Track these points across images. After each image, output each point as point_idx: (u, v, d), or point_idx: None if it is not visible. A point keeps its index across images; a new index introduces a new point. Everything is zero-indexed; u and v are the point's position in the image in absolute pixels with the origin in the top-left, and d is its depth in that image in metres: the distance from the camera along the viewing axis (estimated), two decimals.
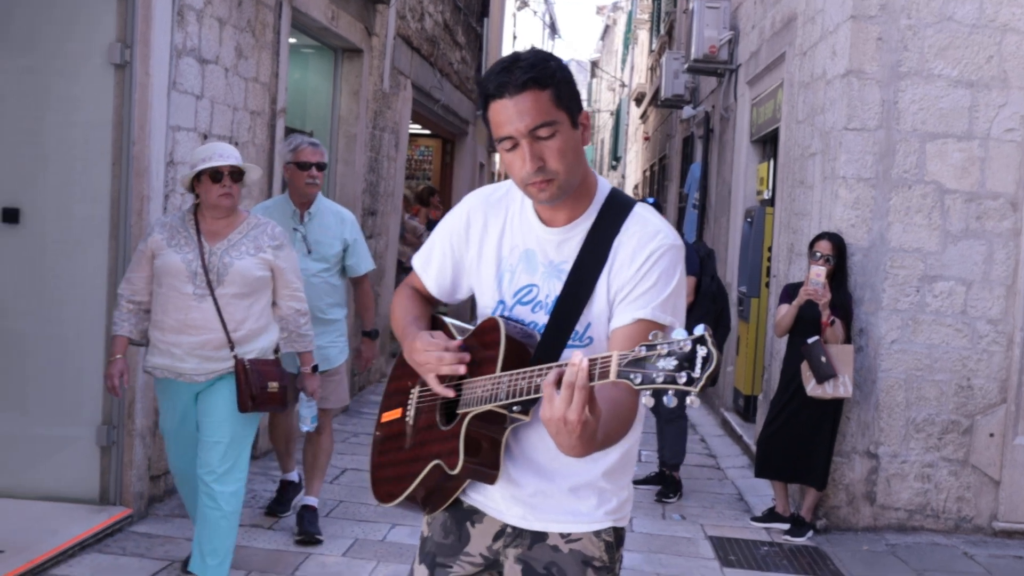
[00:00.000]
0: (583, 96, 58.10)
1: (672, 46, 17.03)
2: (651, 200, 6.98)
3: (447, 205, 14.80)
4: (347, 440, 7.66)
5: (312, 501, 5.39)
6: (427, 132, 15.18)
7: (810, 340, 5.90)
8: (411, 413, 2.34)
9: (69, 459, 5.22)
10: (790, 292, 6.22)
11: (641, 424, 2.23)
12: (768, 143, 9.29)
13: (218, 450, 4.23)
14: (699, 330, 1.70)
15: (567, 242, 2.18)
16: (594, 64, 51.69)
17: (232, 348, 4.22)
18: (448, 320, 2.38)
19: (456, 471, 2.13)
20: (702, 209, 11.97)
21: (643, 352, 1.73)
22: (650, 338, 1.75)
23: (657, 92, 17.42)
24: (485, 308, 2.28)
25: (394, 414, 2.40)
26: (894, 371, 6.23)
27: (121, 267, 5.12)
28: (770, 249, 8.55)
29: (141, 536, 5.09)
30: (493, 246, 2.27)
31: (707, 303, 6.72)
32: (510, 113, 2.04)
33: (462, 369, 2.13)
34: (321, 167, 5.29)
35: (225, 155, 4.21)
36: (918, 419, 6.26)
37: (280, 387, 4.28)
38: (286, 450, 5.71)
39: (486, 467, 2.17)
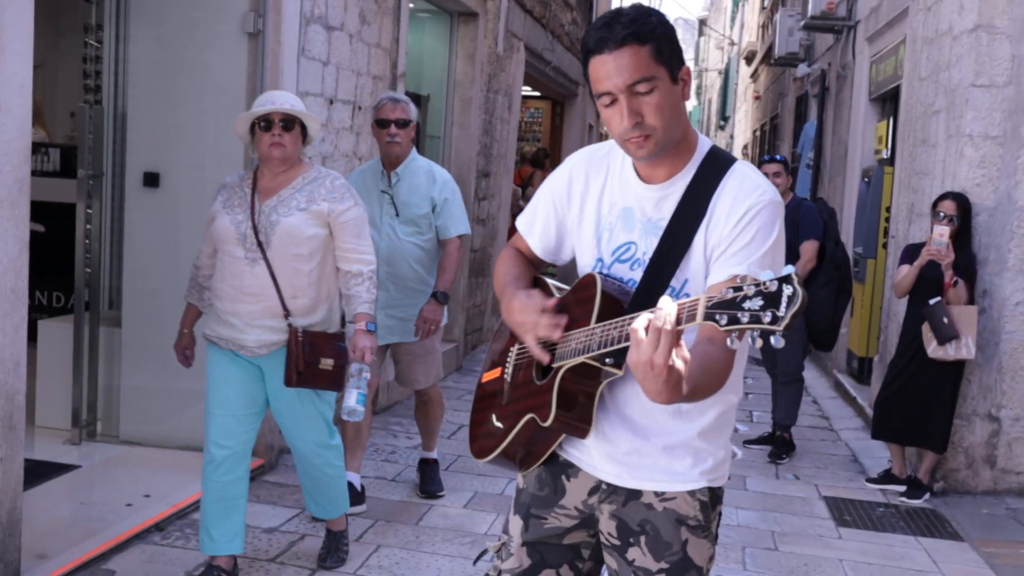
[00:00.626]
0: (690, 55, 57.44)
1: (786, 3, 16.69)
2: (779, 157, 6.95)
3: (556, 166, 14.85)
4: (461, 398, 7.85)
5: (432, 455, 5.50)
6: (537, 94, 15.23)
7: (932, 301, 5.82)
8: (509, 370, 2.36)
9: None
10: (911, 253, 6.13)
11: (740, 386, 2.24)
12: (888, 101, 9.10)
13: (319, 425, 4.03)
14: (787, 270, 1.67)
15: (665, 199, 2.17)
16: (702, 22, 50.88)
17: (287, 316, 3.83)
18: (549, 281, 2.38)
19: (548, 423, 2.15)
20: (816, 169, 11.78)
21: (730, 294, 1.70)
22: (737, 280, 1.71)
23: (770, 50, 17.11)
24: (585, 267, 2.28)
25: (494, 373, 2.43)
26: (1019, 333, 6.11)
27: None
28: (888, 209, 8.40)
29: (273, 485, 5.34)
30: (593, 204, 2.27)
31: (831, 270, 6.64)
32: (609, 69, 2.04)
33: (557, 333, 2.13)
34: (402, 124, 4.93)
35: (278, 101, 3.84)
36: None
37: (336, 366, 3.87)
38: (355, 446, 5.03)
39: (578, 421, 2.18)
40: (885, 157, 8.75)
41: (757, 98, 21.45)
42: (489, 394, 2.42)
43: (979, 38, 6.06)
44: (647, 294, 2.11)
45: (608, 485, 2.25)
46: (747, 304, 1.67)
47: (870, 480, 6.38)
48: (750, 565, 4.79)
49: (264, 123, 3.82)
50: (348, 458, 4.86)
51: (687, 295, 2.11)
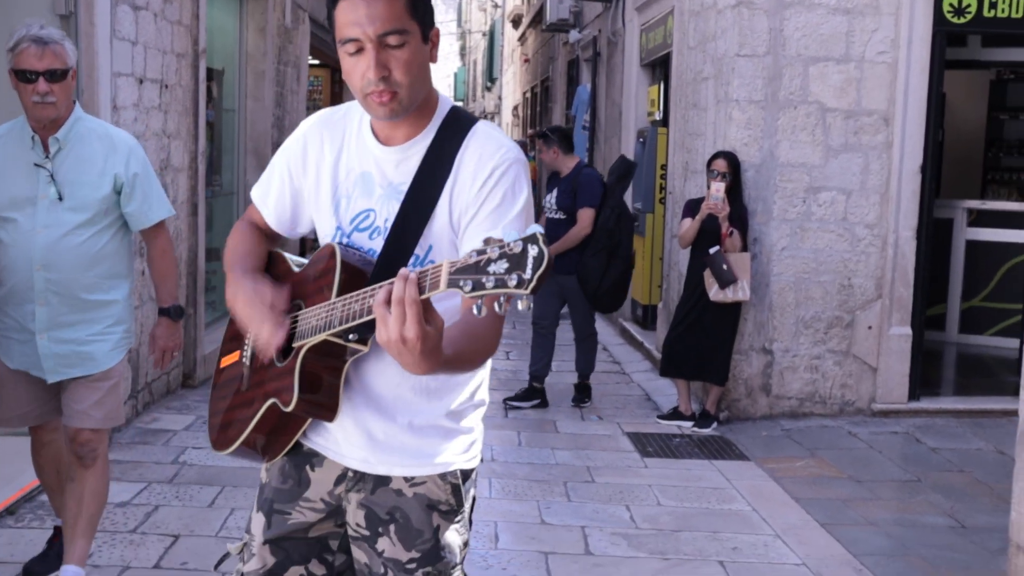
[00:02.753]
0: (452, 16, 57.76)
1: None
2: (547, 131, 7.44)
3: None
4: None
5: (75, 573, 3.64)
6: (316, 62, 15.26)
7: (712, 250, 6.52)
8: (248, 353, 2.20)
9: None
10: (692, 207, 6.81)
11: (488, 363, 2.12)
12: (658, 67, 9.84)
13: None
14: (532, 229, 1.62)
15: (405, 161, 2.07)
16: None
17: None
18: (287, 255, 2.26)
19: (290, 408, 2.01)
20: (592, 130, 12.50)
21: (473, 258, 1.63)
22: (481, 243, 1.65)
23: (539, 15, 17.78)
24: (324, 237, 2.17)
25: (232, 358, 2.28)
26: (785, 275, 6.93)
27: None
28: (663, 167, 9.15)
29: (112, 463, 5.42)
30: (329, 170, 2.15)
31: (603, 237, 6.97)
32: (360, 14, 1.92)
33: (281, 335, 2.02)
34: (55, 75, 3.46)
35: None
36: (806, 317, 6.99)
37: None
38: (58, 482, 3.91)
39: (323, 404, 2.06)
40: (658, 119, 9.49)
41: (526, 61, 22.17)
42: (228, 380, 2.28)
43: (741, 13, 6.77)
44: (389, 264, 2.00)
45: (355, 473, 2.14)
46: (492, 268, 1.62)
47: (660, 416, 7.07)
48: (573, 497, 5.32)
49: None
50: (66, 540, 3.70)
51: (432, 262, 2.01)
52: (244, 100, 8.90)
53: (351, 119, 2.16)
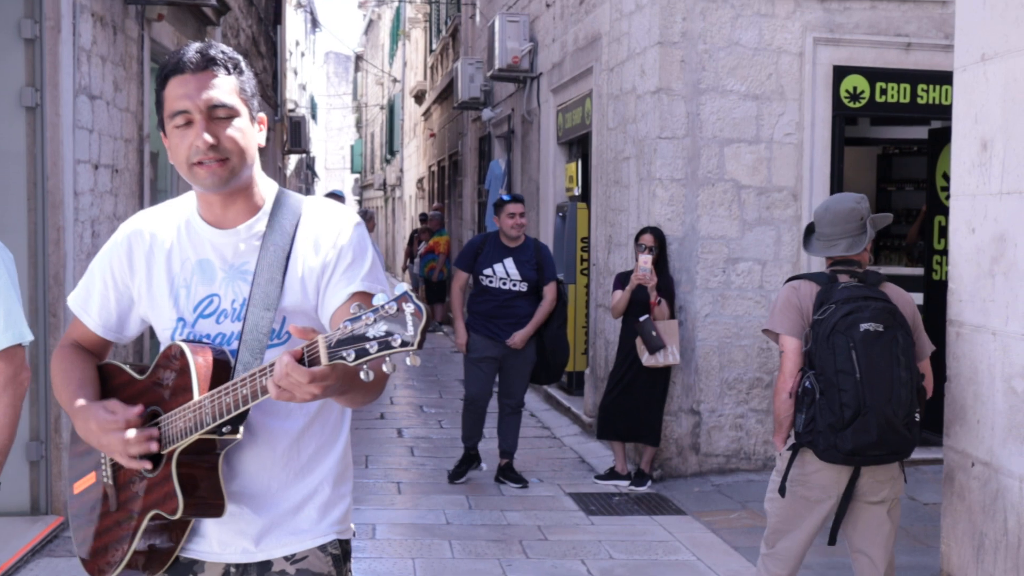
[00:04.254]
0: (348, 89, 58.17)
1: (457, 48, 17.98)
2: (520, 196, 7.52)
3: None
4: None
5: None
6: None
7: (641, 318, 6.97)
8: (107, 472, 2.16)
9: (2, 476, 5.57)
10: (621, 279, 7.27)
11: (348, 421, 2.24)
12: (575, 144, 10.38)
13: None
14: (400, 288, 1.70)
15: (245, 242, 2.12)
16: (359, 57, 52.13)
17: None
18: (119, 363, 2.24)
19: (178, 514, 2.00)
20: None
21: (349, 327, 1.69)
22: (352, 311, 1.72)
23: (446, 91, 18.35)
24: (164, 331, 2.16)
25: (87, 480, 2.22)
26: (709, 340, 7.42)
27: (41, 294, 5.53)
28: (584, 240, 9.64)
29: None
30: (162, 264, 2.16)
31: (562, 309, 7.30)
32: (190, 88, 2.01)
33: (154, 446, 2.02)
34: None
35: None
36: (730, 378, 7.47)
37: None
38: None
39: (208, 502, 2.04)
40: (577, 195, 10.00)
41: (432, 135, 22.69)
42: (90, 503, 2.22)
43: (660, 99, 7.32)
44: (252, 342, 2.05)
45: (237, 567, 2.14)
46: (371, 332, 1.67)
47: (598, 477, 7.44)
48: (530, 554, 5.63)
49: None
50: None
51: (288, 334, 2.09)
52: (177, 181, 9.10)
53: (175, 214, 2.20)
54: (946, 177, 8.39)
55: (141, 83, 7.20)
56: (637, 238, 7.19)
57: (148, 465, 2.03)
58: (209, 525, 2.12)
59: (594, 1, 8.96)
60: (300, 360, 1.77)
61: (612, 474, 7.36)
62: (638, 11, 7.67)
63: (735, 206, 7.39)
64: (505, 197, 7.35)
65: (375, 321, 1.68)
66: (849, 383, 3.60)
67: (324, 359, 1.73)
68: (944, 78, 7.57)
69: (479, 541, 5.84)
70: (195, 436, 1.96)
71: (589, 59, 9.07)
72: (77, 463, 2.28)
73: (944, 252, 8.40)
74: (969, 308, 3.70)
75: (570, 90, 9.97)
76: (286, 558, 2.13)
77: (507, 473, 7.23)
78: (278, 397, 1.80)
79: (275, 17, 16.03)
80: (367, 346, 1.68)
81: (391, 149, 36.37)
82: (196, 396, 1.97)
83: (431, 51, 22.66)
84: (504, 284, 7.13)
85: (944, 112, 7.75)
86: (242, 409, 1.90)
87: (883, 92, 7.61)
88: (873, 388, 3.59)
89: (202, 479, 2.02)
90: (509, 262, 7.14)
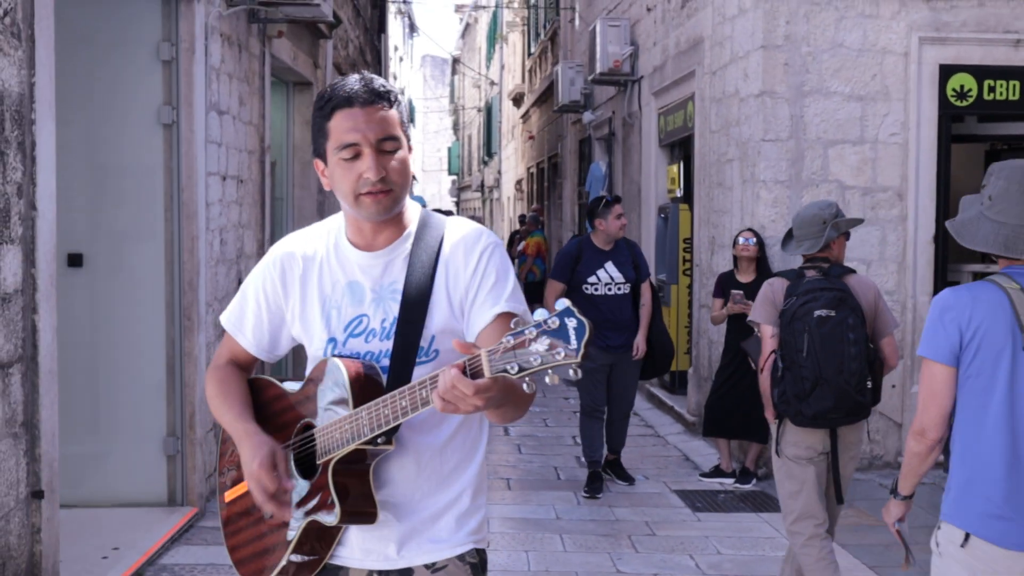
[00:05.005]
0: (446, 93, 58.81)
1: (556, 52, 18.18)
2: (610, 197, 7.38)
3: None
4: None
5: None
6: None
7: (744, 343, 7.03)
8: None
9: (140, 470, 5.98)
10: (722, 282, 7.38)
11: (486, 435, 2.33)
12: (676, 147, 10.49)
13: None
14: (561, 304, 1.77)
15: (392, 263, 2.20)
16: (455, 60, 52.75)
17: None
18: (269, 378, 2.35)
19: (335, 521, 2.10)
20: None
21: (511, 342, 1.77)
22: (512, 326, 1.79)
23: (545, 94, 18.56)
24: (316, 351, 2.24)
25: (240, 489, 2.30)
26: None
27: (178, 299, 5.91)
28: (686, 241, 9.75)
29: (211, 529, 5.89)
30: (315, 286, 2.24)
31: (657, 304, 7.42)
32: (359, 121, 2.09)
33: (288, 516, 2.16)
34: None
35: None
36: None
37: None
38: None
39: (363, 506, 2.13)
40: (679, 196, 10.11)
41: (531, 138, 22.94)
42: (242, 512, 2.32)
43: (764, 102, 7.41)
44: (401, 359, 2.14)
45: (379, 573, 2.22)
46: (533, 347, 1.75)
47: (703, 475, 7.56)
48: (640, 548, 5.81)
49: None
50: None
51: (436, 352, 2.17)
52: (292, 189, 9.50)
53: (320, 238, 2.29)
54: None
55: (263, 97, 7.56)
56: (736, 237, 7.29)
57: (288, 517, 2.18)
58: (353, 533, 2.20)
59: (696, 5, 9.07)
60: (463, 373, 1.84)
61: (717, 472, 7.47)
62: (741, 15, 7.77)
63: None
64: (608, 198, 7.21)
65: (537, 336, 1.75)
66: (807, 360, 4.32)
67: (487, 371, 1.81)
68: None
69: (589, 535, 6.03)
70: (353, 446, 2.05)
71: (691, 62, 9.17)
72: (228, 473, 2.36)
73: None
74: None
75: (672, 93, 10.08)
76: (427, 566, 2.20)
77: (615, 468, 7.34)
78: (443, 409, 1.88)
79: (379, 26, 16.44)
80: (531, 359, 1.75)
81: (489, 151, 36.76)
82: (351, 408, 2.06)
83: (529, 54, 22.91)
84: (610, 289, 7.03)
85: None
86: (401, 421, 1.98)
87: (991, 90, 7.57)
88: (826, 363, 4.29)
89: (355, 487, 2.11)
90: (610, 265, 7.07)
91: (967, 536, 2.74)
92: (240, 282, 7.01)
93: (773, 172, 7.44)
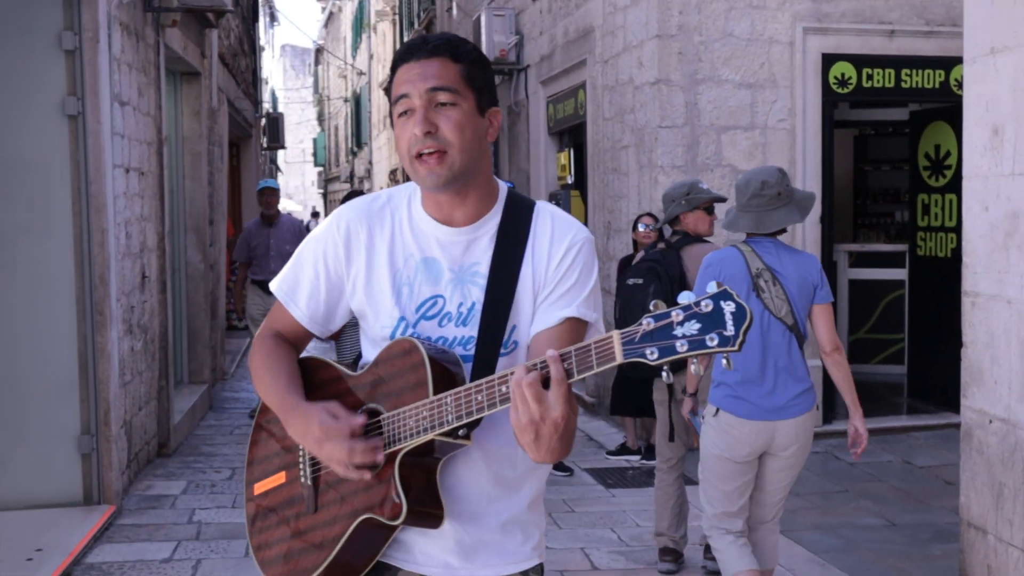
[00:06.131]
0: (308, 84, 57.86)
1: None
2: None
3: (236, 206, 15.35)
4: (233, 432, 8.41)
5: None
6: None
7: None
8: (306, 471, 2.03)
9: (54, 469, 5.82)
10: (623, 265, 7.60)
11: None
12: (567, 134, 10.70)
13: None
14: (712, 287, 1.59)
15: (476, 242, 1.99)
16: (319, 50, 52.05)
17: None
18: (323, 359, 2.11)
19: (400, 519, 1.87)
20: None
21: (652, 324, 1.59)
22: (652, 308, 1.60)
23: None
24: (384, 329, 2.00)
25: (274, 480, 2.09)
26: None
27: (88, 294, 5.77)
28: None
29: (132, 527, 5.79)
30: (384, 257, 2.01)
31: None
32: (413, 73, 1.91)
33: (380, 457, 1.88)
34: None
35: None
36: None
37: None
38: None
39: (429, 508, 1.91)
40: (570, 183, 10.32)
41: None
42: (273, 507, 2.09)
43: (660, 89, 7.66)
44: (485, 348, 1.94)
45: None
46: (679, 331, 1.57)
47: (610, 453, 7.78)
48: (562, 524, 5.96)
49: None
50: None
51: (515, 343, 1.98)
52: (183, 180, 9.31)
53: (396, 204, 2.06)
54: (928, 157, 8.83)
55: (158, 87, 7.41)
56: (636, 222, 7.52)
57: (367, 475, 1.89)
58: (410, 536, 1.99)
59: None
60: (561, 366, 1.67)
61: (623, 449, 7.70)
62: (634, 5, 7.99)
63: (733, 191, 7.72)
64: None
65: (685, 319, 1.57)
66: (618, 321, 5.13)
67: (619, 356, 1.62)
68: (926, 63, 7.98)
69: None
70: (431, 435, 1.82)
71: (582, 51, 9.37)
72: (260, 464, 2.14)
73: (927, 229, 8.83)
74: (984, 279, 4.06)
75: (561, 81, 10.27)
76: None
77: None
78: (521, 407, 1.69)
79: (253, 15, 16.19)
80: (675, 344, 1.57)
81: (359, 142, 36.47)
82: (430, 395, 1.84)
83: (402, 43, 22.84)
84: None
85: (927, 95, 8.18)
86: (488, 413, 1.77)
87: (869, 77, 7.99)
88: (629, 321, 4.80)
89: (420, 484, 1.89)
90: None
91: (717, 410, 4.07)
92: (144, 277, 6.89)
93: (670, 157, 7.69)
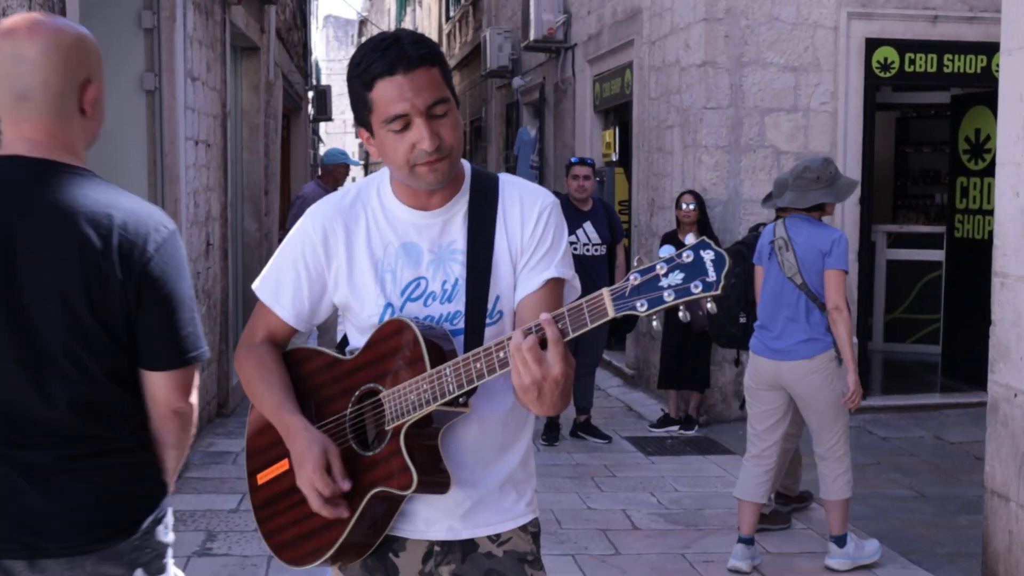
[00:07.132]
0: (349, 53, 58.09)
1: (479, 17, 18.44)
2: (589, 160, 7.48)
3: (286, 177, 15.70)
4: None
5: None
6: None
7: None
8: None
9: None
10: (666, 241, 7.85)
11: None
12: (612, 113, 10.93)
13: None
14: (691, 238, 1.71)
15: (450, 221, 2.09)
16: (362, 22, 52.27)
17: None
18: (313, 347, 2.20)
19: (411, 489, 1.97)
20: (540, 169, 13.54)
21: (639, 279, 1.69)
22: (635, 264, 1.72)
23: (467, 59, 18.81)
24: (371, 317, 2.09)
25: (277, 468, 2.14)
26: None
27: None
28: (622, 203, 10.22)
29: (199, 479, 6.16)
30: (364, 251, 2.10)
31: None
32: (405, 90, 1.92)
33: (343, 514, 2.01)
34: None
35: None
36: None
37: None
38: None
39: (436, 476, 2.02)
40: (614, 160, 10.57)
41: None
42: (280, 494, 2.15)
43: (706, 71, 7.88)
44: (472, 321, 2.05)
45: (441, 545, 2.14)
46: (664, 282, 1.68)
47: (652, 425, 8.05)
48: (604, 488, 6.27)
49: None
50: None
51: (500, 313, 2.08)
52: (241, 152, 9.66)
53: (366, 198, 2.14)
54: (968, 141, 8.98)
55: (224, 63, 7.75)
56: (678, 199, 7.77)
57: (341, 512, 2.03)
58: (416, 504, 2.09)
59: None
60: (556, 325, 1.79)
61: (666, 420, 7.98)
62: None
63: (774, 171, 7.95)
64: (574, 160, 7.38)
65: (669, 271, 1.69)
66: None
67: (611, 311, 1.73)
68: (968, 48, 8.13)
69: (556, 478, 6.47)
70: (434, 406, 1.93)
71: (629, 32, 9.59)
72: (261, 453, 2.20)
73: (965, 211, 9.00)
74: (1013, 261, 4.29)
75: (608, 61, 10.50)
76: (491, 539, 2.14)
77: (588, 429, 7.52)
78: (523, 369, 1.81)
79: None
80: (662, 295, 1.69)
81: None
82: (428, 368, 1.95)
83: (448, 18, 23.06)
84: (588, 250, 7.17)
85: (968, 80, 8.34)
86: (486, 379, 1.88)
87: (912, 62, 8.17)
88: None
89: (425, 454, 2.00)
90: (588, 226, 7.20)
91: (748, 350, 5.08)
92: (209, 244, 7.24)
93: (714, 138, 7.92)
